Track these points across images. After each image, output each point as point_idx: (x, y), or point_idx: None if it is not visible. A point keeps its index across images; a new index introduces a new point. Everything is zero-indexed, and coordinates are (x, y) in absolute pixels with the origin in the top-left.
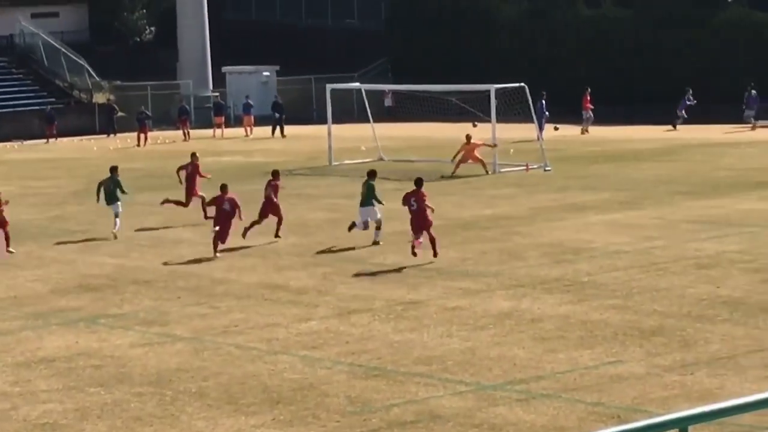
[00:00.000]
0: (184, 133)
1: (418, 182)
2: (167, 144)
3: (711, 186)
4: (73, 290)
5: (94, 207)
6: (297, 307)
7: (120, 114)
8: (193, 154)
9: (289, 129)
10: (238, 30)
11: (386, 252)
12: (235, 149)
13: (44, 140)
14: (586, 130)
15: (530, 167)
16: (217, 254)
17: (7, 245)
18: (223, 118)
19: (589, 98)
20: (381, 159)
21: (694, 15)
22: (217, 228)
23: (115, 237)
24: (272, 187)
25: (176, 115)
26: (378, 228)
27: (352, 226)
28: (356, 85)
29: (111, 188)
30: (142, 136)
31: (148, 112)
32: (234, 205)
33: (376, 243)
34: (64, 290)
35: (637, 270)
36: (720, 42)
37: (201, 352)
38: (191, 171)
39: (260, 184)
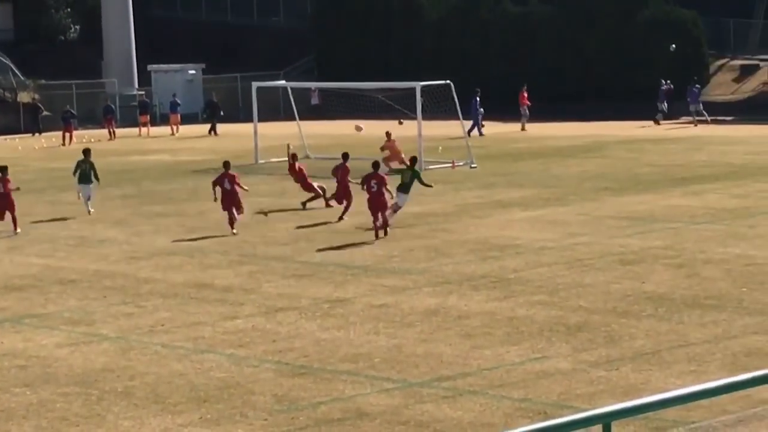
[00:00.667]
0: (110, 132)
1: (376, 165)
2: (92, 143)
3: (635, 182)
4: None
5: (18, 207)
6: (223, 306)
7: (45, 113)
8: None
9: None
10: (164, 28)
11: (313, 250)
12: (161, 148)
13: None
14: (524, 127)
15: (456, 164)
16: (234, 231)
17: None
18: (148, 117)
19: (525, 95)
20: (307, 157)
21: (618, 11)
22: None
23: (90, 213)
24: (344, 170)
25: (102, 114)
26: (394, 212)
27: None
28: (282, 83)
29: (87, 170)
30: (68, 135)
31: (73, 111)
32: (233, 182)
33: (386, 227)
34: None
35: (562, 266)
36: (644, 37)
37: (127, 352)
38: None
39: (184, 182)
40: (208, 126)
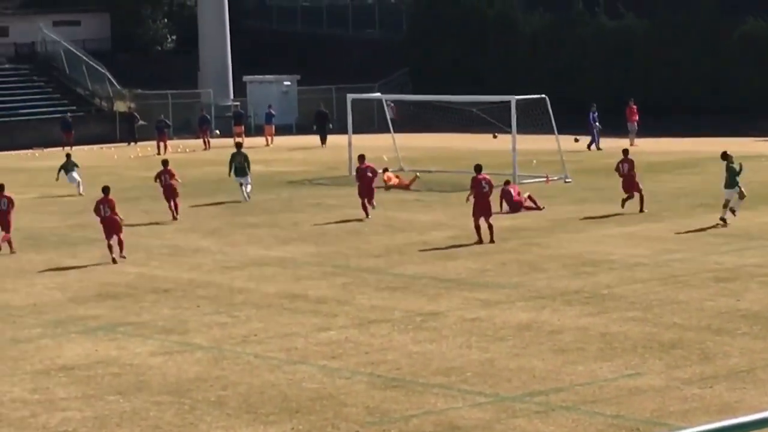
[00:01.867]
0: (205, 142)
1: (478, 168)
2: (187, 153)
3: None
4: (92, 298)
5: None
6: (316, 317)
7: (141, 122)
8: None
9: (308, 139)
10: (260, 39)
11: (406, 263)
12: (255, 158)
13: (61, 147)
14: (633, 143)
15: (550, 179)
16: (369, 216)
17: (121, 251)
18: (243, 128)
19: (634, 109)
20: (401, 170)
21: (714, 26)
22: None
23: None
24: (629, 163)
25: (197, 124)
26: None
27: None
28: (377, 95)
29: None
30: (162, 144)
31: (167, 121)
32: (373, 172)
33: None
34: (84, 298)
35: (656, 282)
36: (740, 53)
37: (220, 362)
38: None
39: (279, 192)
40: (307, 137)
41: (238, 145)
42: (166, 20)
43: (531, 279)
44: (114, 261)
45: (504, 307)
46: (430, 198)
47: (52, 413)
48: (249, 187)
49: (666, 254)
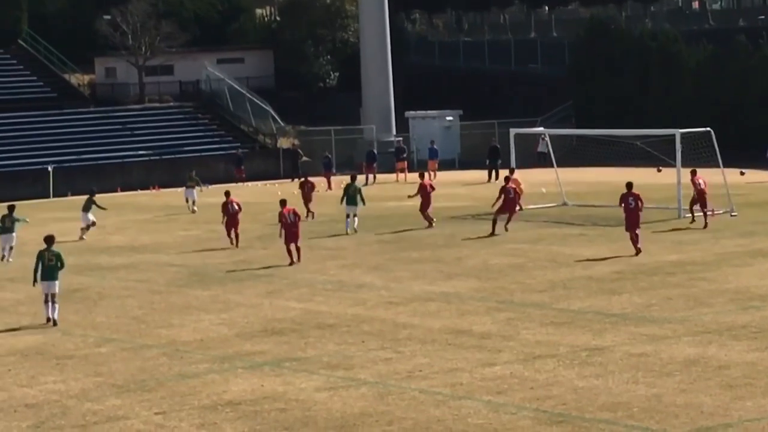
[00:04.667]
0: (367, 178)
1: (630, 185)
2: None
3: None
4: (258, 334)
5: (277, 251)
6: (481, 352)
7: (304, 158)
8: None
9: (473, 174)
10: (422, 75)
11: (570, 297)
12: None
13: (234, 183)
14: None
15: (716, 212)
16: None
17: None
18: (405, 163)
19: None
20: (564, 204)
21: None
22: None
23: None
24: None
25: (364, 160)
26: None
27: None
28: (540, 129)
29: (353, 193)
30: (327, 180)
31: (330, 156)
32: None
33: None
34: (249, 334)
35: None
36: None
37: (385, 397)
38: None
39: (443, 228)
40: (469, 172)
41: (353, 178)
42: (328, 57)
43: (697, 313)
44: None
45: (670, 342)
46: (594, 232)
47: None
48: (356, 219)
49: None
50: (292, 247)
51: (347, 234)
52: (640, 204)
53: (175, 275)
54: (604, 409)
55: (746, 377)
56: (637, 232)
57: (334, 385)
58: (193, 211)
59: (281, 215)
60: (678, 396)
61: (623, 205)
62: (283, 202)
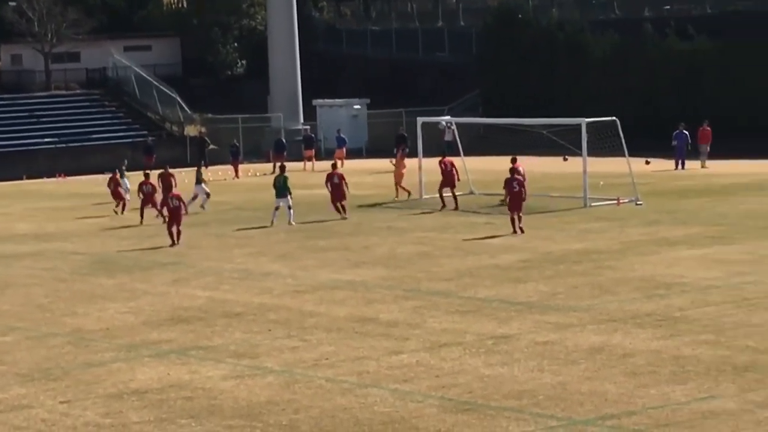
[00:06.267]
0: (274, 166)
1: (513, 170)
2: (257, 177)
3: None
4: (164, 322)
5: (184, 240)
6: (387, 341)
7: (211, 147)
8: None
9: (381, 162)
10: (329, 63)
11: (477, 286)
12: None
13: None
14: (704, 165)
15: (621, 201)
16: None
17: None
18: (313, 151)
19: (707, 132)
20: (472, 192)
21: None
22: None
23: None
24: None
25: (272, 149)
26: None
27: None
28: (447, 118)
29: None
30: (233, 168)
31: (237, 144)
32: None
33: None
34: (156, 322)
35: (729, 305)
36: None
37: (292, 385)
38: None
39: (350, 216)
40: (377, 161)
41: (282, 168)
42: (236, 45)
43: (602, 302)
44: None
45: (576, 330)
46: (500, 221)
47: None
48: (292, 212)
49: (738, 277)
50: (174, 229)
51: (271, 225)
52: (524, 189)
53: (81, 263)
54: (509, 397)
55: (650, 365)
56: (520, 214)
57: (240, 374)
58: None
59: (165, 200)
60: (583, 384)
61: (507, 188)
62: (168, 187)
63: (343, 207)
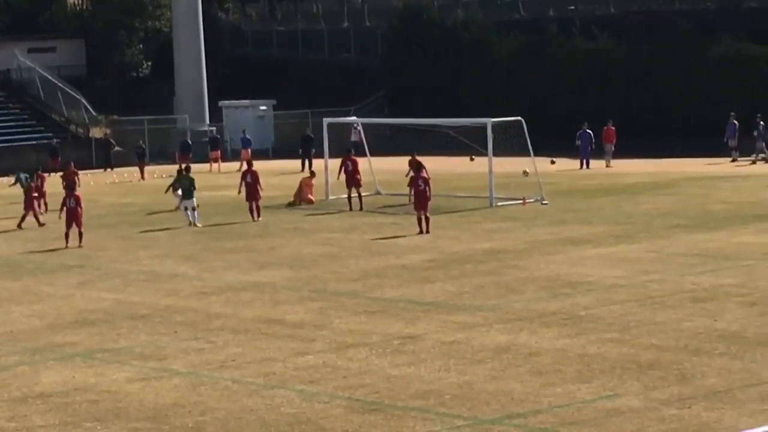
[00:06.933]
0: (180, 168)
1: (417, 166)
2: (163, 179)
3: (706, 219)
4: (69, 325)
5: (90, 242)
6: (294, 342)
7: (116, 148)
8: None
9: (285, 163)
10: (235, 64)
11: (383, 286)
12: (231, 183)
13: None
14: (609, 164)
15: (527, 201)
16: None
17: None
18: (219, 153)
19: (612, 131)
20: (378, 193)
21: (688, 48)
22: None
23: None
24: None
25: (179, 150)
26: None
27: None
28: (353, 119)
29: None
30: (138, 170)
31: (143, 146)
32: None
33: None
34: (61, 325)
35: (633, 303)
36: (715, 74)
37: (198, 387)
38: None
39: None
40: (283, 162)
41: (187, 169)
42: (141, 46)
43: (508, 301)
44: None
45: (482, 329)
46: (407, 221)
47: None
48: (196, 213)
49: (643, 275)
50: (73, 231)
51: (191, 224)
52: (428, 187)
53: None
54: (416, 397)
55: (556, 364)
56: (427, 214)
57: (146, 376)
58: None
59: (64, 199)
60: (489, 383)
61: (413, 186)
62: (71, 186)
63: (257, 207)
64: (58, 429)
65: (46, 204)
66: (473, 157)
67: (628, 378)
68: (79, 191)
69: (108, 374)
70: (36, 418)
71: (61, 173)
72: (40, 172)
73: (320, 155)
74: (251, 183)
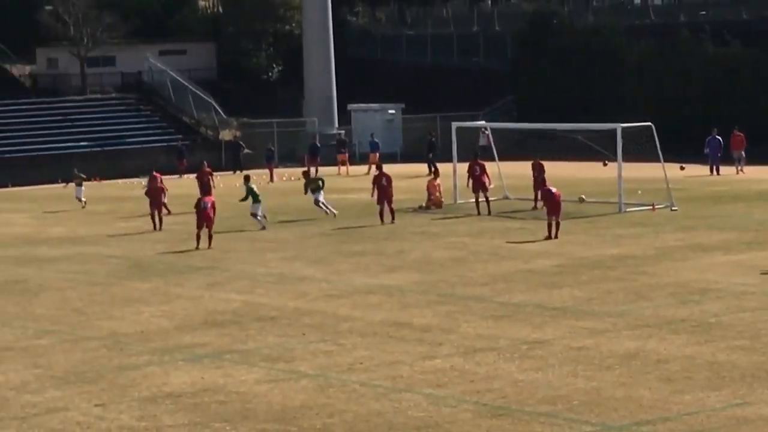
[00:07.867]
0: (308, 170)
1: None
2: (292, 181)
3: None
4: (198, 326)
5: (218, 244)
6: (422, 345)
7: (246, 151)
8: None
9: (414, 167)
10: (364, 68)
11: (512, 291)
12: (359, 186)
13: (177, 176)
14: (741, 170)
15: (656, 207)
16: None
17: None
18: (346, 155)
19: (740, 138)
20: (506, 197)
21: None
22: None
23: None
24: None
25: (307, 154)
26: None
27: None
28: (482, 123)
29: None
30: (268, 172)
31: (273, 149)
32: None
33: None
34: (190, 326)
35: (764, 311)
36: None
37: (326, 389)
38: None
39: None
40: (411, 165)
41: (246, 178)
42: (271, 50)
43: (637, 307)
44: None
45: (610, 335)
46: (535, 226)
47: None
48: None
49: None
50: (204, 232)
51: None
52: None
53: (116, 267)
54: (543, 402)
55: (685, 371)
56: (558, 220)
57: (274, 378)
58: (84, 206)
59: (198, 201)
60: (617, 389)
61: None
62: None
63: (391, 210)
64: (187, 429)
65: (166, 206)
66: (606, 162)
67: (759, 386)
68: (213, 195)
69: (236, 375)
70: (165, 417)
71: (195, 174)
72: (154, 173)
73: (448, 159)
74: (386, 186)
